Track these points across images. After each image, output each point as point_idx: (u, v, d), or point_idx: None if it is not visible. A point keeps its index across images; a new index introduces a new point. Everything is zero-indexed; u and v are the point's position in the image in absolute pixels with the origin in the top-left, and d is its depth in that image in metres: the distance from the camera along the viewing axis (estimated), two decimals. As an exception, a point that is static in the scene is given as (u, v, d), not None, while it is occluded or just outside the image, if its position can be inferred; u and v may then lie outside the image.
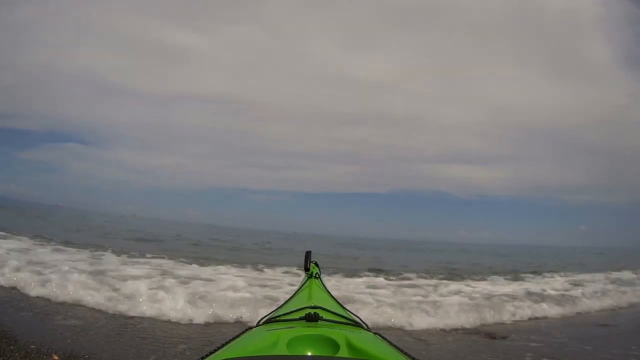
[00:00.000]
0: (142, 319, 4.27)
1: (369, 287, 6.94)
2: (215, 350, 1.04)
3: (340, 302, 1.75)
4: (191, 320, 4.33)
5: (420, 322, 4.87)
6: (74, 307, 4.42)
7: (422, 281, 8.33)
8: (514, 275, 10.58)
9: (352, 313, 1.56)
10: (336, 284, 6.93)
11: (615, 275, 11.17)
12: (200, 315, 4.43)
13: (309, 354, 0.99)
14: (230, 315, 4.56)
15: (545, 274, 10.78)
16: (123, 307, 4.46)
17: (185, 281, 5.78)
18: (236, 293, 5.30)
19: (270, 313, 1.51)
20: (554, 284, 8.97)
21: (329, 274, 8.02)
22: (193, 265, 7.89)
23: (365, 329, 1.30)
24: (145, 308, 4.50)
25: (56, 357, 2.87)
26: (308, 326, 1.15)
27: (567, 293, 7.53)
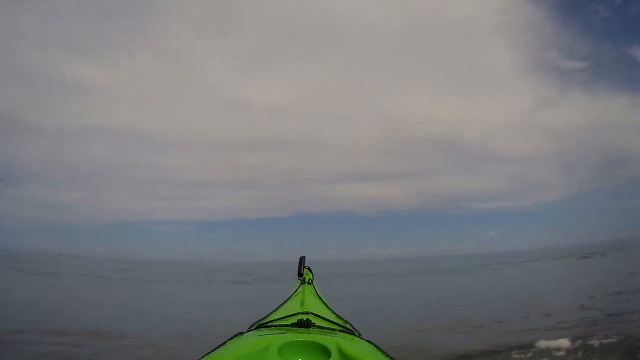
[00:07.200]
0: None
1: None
2: (205, 356, 1.03)
3: (333, 309, 1.76)
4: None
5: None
6: None
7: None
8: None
9: (345, 320, 1.58)
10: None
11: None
12: None
13: None
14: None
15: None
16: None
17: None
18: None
19: (262, 319, 1.50)
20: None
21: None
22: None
23: (357, 336, 1.33)
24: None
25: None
26: (300, 332, 1.16)
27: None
